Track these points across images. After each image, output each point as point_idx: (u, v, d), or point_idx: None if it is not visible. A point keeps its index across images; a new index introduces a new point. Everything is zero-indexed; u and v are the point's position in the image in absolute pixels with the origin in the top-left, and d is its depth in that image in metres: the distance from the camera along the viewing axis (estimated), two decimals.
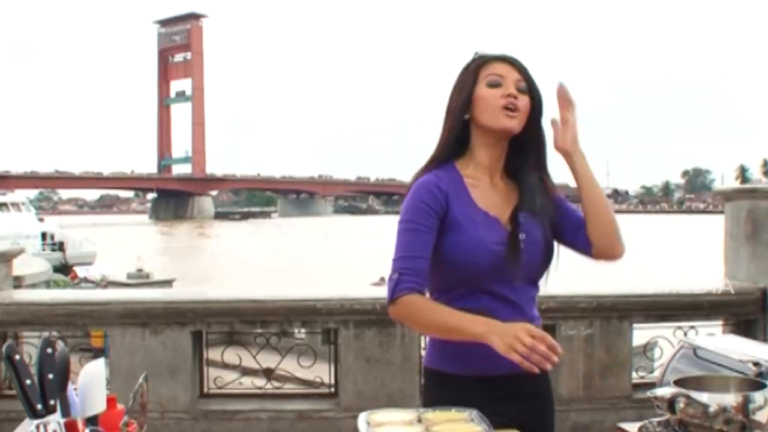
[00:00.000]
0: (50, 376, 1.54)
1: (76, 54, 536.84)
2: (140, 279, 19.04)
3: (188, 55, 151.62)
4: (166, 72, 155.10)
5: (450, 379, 2.06)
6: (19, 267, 6.29)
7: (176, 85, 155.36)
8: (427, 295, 2.04)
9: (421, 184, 2.05)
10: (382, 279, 15.84)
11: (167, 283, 19.56)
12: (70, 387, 1.60)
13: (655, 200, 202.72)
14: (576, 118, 2.07)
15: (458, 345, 1.99)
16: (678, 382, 1.72)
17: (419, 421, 1.67)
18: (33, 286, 8.19)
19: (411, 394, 4.50)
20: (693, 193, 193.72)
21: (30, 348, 4.89)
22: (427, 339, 2.18)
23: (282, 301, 4.72)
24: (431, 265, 2.00)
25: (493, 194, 2.09)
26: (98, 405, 1.54)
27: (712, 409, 1.60)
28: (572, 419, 4.74)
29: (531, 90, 2.07)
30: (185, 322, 4.71)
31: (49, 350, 1.56)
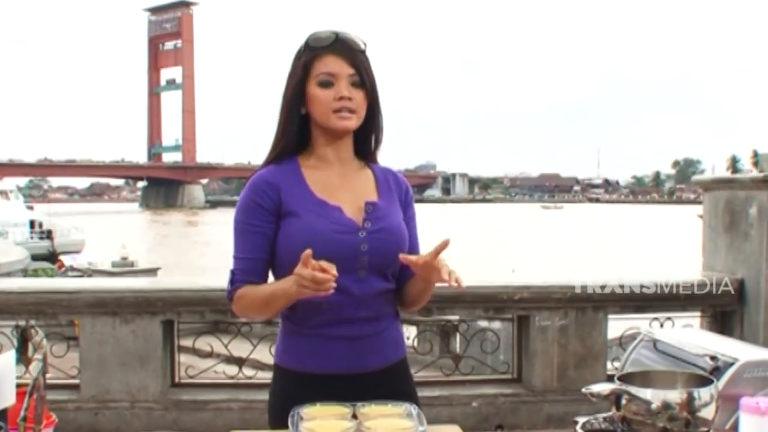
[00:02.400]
0: None
1: (66, 43, 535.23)
2: (125, 268, 18.88)
3: (179, 42, 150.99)
4: (156, 60, 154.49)
5: (300, 378, 1.98)
6: None
7: (166, 73, 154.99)
8: None
9: (251, 183, 1.98)
10: None
11: (152, 271, 19.41)
12: None
13: (645, 190, 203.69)
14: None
15: (308, 342, 1.95)
16: (623, 378, 1.68)
17: (354, 416, 1.62)
18: (9, 274, 8.06)
19: None
20: (683, 183, 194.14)
21: (1, 337, 4.83)
22: (278, 335, 2.07)
23: None
24: (273, 259, 1.96)
25: (337, 184, 2.00)
26: (7, 399, 1.48)
27: (654, 406, 1.55)
28: (546, 410, 4.71)
29: (364, 82, 1.97)
30: (155, 311, 4.66)
31: None
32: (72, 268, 24.93)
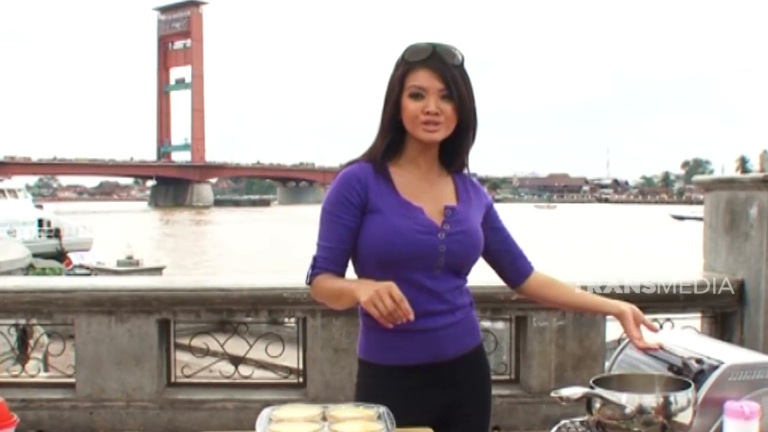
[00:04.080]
0: None
1: (76, 41, 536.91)
2: (130, 266, 18.93)
3: (188, 42, 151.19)
4: (165, 59, 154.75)
5: (380, 370, 2.09)
6: None
7: (176, 72, 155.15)
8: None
9: (342, 177, 2.09)
10: None
11: (157, 270, 19.42)
12: None
13: (654, 190, 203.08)
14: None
15: (383, 334, 2.00)
16: (600, 381, 1.64)
17: (324, 418, 1.60)
18: (9, 273, 8.06)
19: None
20: (693, 183, 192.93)
21: None
22: (360, 329, 2.17)
23: (248, 289, 4.64)
24: (356, 252, 2.07)
25: (422, 186, 2.11)
26: None
27: (628, 410, 1.52)
28: (543, 412, 4.68)
29: (453, 96, 2.03)
30: (151, 310, 4.65)
31: None
32: (80, 266, 25.02)
